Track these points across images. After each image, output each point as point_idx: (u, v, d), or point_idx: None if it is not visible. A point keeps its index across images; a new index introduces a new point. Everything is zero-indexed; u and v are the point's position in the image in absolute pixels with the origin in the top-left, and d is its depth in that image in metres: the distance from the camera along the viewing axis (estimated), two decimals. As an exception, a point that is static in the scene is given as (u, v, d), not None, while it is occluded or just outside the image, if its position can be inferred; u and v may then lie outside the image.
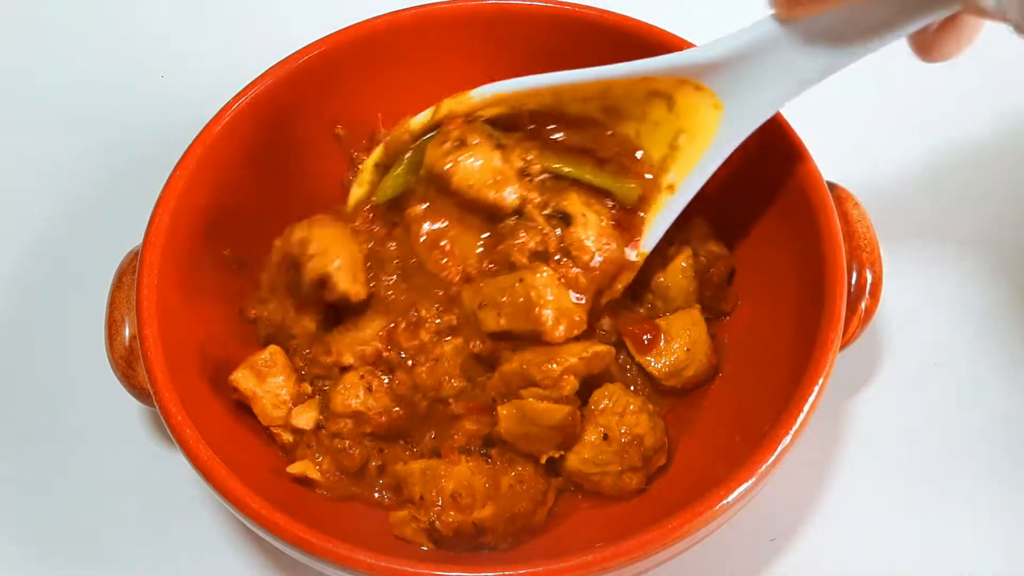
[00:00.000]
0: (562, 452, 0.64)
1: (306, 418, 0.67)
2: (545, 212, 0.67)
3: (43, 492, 0.73)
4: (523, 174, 0.68)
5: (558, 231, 0.66)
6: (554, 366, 0.62)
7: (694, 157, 0.66)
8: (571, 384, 0.62)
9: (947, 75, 0.92)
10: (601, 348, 0.64)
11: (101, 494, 0.73)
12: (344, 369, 0.67)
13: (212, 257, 0.72)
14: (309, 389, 0.68)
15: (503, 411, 0.63)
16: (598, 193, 0.69)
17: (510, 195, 0.67)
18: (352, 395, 0.66)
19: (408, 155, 0.71)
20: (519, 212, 0.68)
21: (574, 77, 0.67)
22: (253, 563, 0.70)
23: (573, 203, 0.67)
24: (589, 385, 0.65)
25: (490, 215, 0.68)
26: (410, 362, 0.66)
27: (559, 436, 0.63)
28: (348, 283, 0.66)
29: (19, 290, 0.83)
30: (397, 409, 0.66)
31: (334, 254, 0.66)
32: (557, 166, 0.69)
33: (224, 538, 0.71)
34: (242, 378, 0.66)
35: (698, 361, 0.68)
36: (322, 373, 0.68)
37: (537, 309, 0.63)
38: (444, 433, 0.66)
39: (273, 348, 0.68)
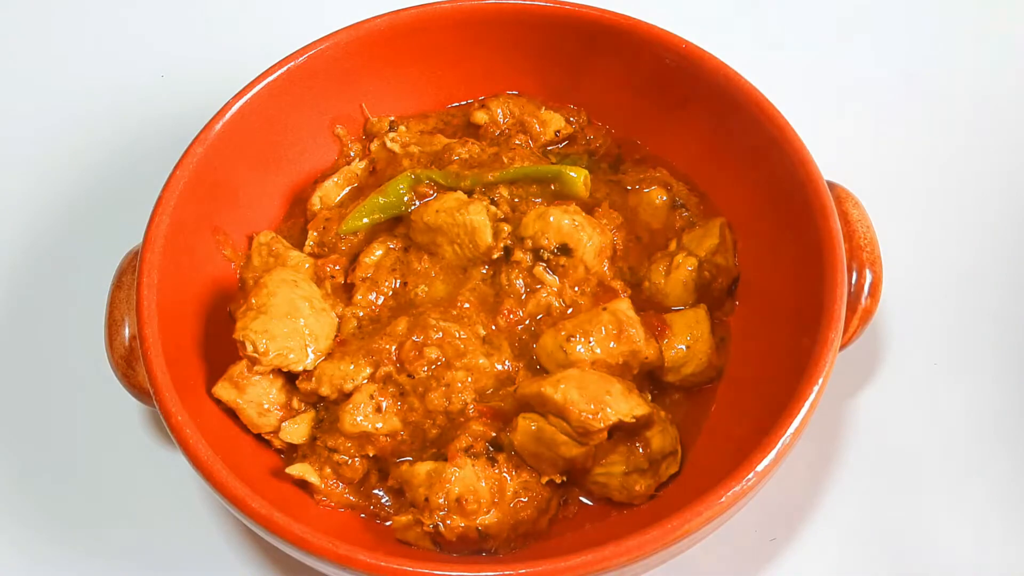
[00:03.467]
0: (564, 478, 0.64)
1: (298, 433, 0.66)
2: (540, 254, 0.69)
3: (43, 491, 0.73)
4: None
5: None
6: (597, 422, 0.60)
7: None
8: (600, 438, 0.61)
9: (947, 75, 0.93)
10: (646, 412, 0.62)
11: (101, 493, 0.73)
12: (322, 398, 0.66)
13: (212, 257, 0.72)
14: (297, 404, 0.67)
15: (523, 422, 0.62)
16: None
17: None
18: (362, 414, 0.64)
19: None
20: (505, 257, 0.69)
21: None
22: (253, 563, 0.70)
23: (560, 228, 0.68)
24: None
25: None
26: (421, 388, 0.65)
27: (567, 466, 0.63)
28: (301, 364, 0.66)
29: (19, 290, 0.83)
30: (402, 433, 0.65)
31: (280, 347, 0.65)
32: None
33: (224, 538, 0.71)
34: (222, 390, 0.65)
35: (697, 359, 0.68)
36: (306, 399, 0.67)
37: (631, 330, 0.65)
38: (449, 435, 0.65)
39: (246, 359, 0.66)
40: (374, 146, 0.77)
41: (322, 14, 0.81)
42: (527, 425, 0.62)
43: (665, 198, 0.74)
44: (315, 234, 0.73)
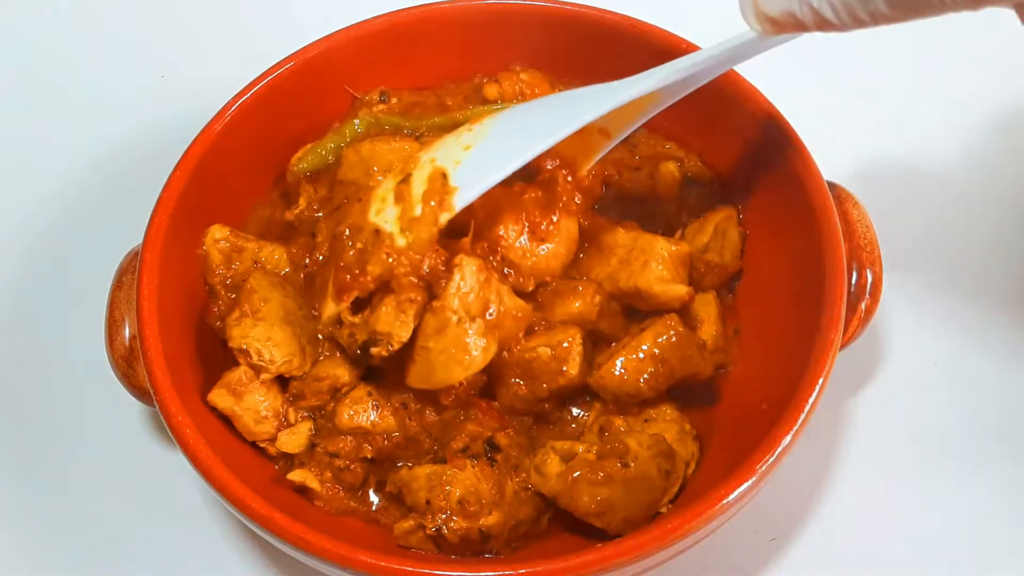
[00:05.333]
0: None
1: (294, 443, 0.65)
2: None
3: (43, 492, 0.73)
4: None
5: None
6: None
7: (629, 117, 0.65)
8: None
9: (947, 75, 0.92)
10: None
11: (101, 494, 0.73)
12: (321, 403, 0.66)
13: (212, 257, 0.72)
14: (293, 416, 0.66)
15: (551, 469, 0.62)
16: None
17: None
18: (360, 410, 0.64)
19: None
20: None
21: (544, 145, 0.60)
22: (253, 563, 0.70)
23: None
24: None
25: None
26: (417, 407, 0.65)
27: None
28: (302, 369, 0.66)
29: (19, 290, 0.83)
30: (397, 434, 0.65)
31: (272, 354, 0.64)
32: None
33: (224, 538, 0.71)
34: (219, 397, 0.64)
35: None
36: (303, 406, 0.66)
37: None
38: (447, 437, 0.65)
39: (246, 367, 0.65)
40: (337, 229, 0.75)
41: (323, 15, 0.81)
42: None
43: (676, 174, 0.73)
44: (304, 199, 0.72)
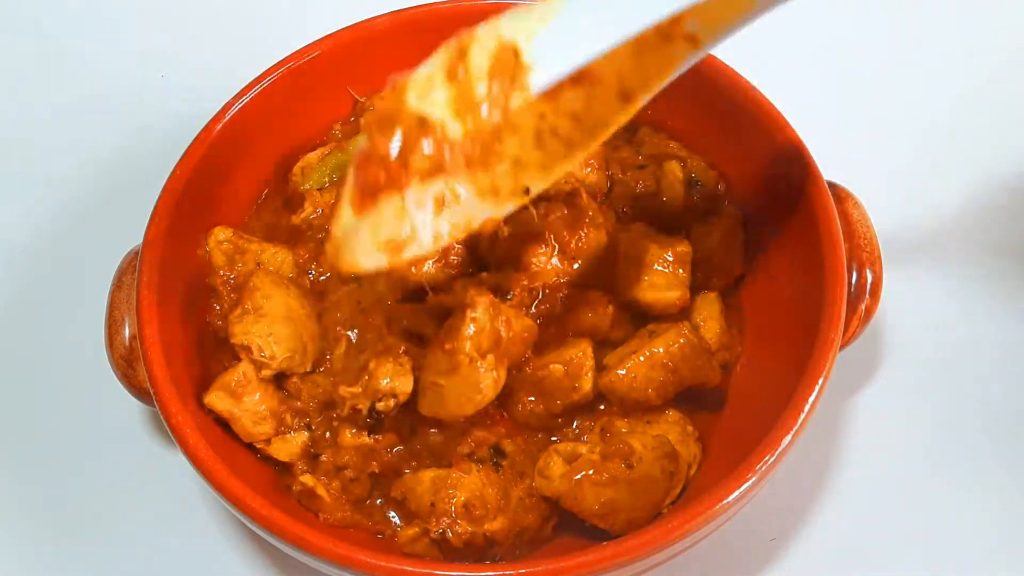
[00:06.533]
0: None
1: (286, 450, 0.64)
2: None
3: (43, 492, 0.73)
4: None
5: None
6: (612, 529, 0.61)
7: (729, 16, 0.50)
8: None
9: (948, 74, 0.93)
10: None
11: (101, 494, 0.73)
12: (321, 407, 0.65)
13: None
14: (291, 420, 0.65)
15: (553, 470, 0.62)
16: None
17: None
18: (360, 425, 0.63)
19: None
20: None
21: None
22: (253, 563, 0.70)
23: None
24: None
25: None
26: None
27: None
28: (303, 368, 0.65)
29: (19, 290, 0.83)
30: (400, 448, 0.64)
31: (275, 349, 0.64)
32: None
33: (224, 538, 0.71)
34: (216, 400, 0.63)
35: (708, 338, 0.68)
36: (299, 411, 0.66)
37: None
38: (453, 443, 0.64)
39: (245, 366, 0.64)
40: (363, 120, 0.76)
41: (323, 15, 0.81)
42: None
43: (680, 174, 0.73)
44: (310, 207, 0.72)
